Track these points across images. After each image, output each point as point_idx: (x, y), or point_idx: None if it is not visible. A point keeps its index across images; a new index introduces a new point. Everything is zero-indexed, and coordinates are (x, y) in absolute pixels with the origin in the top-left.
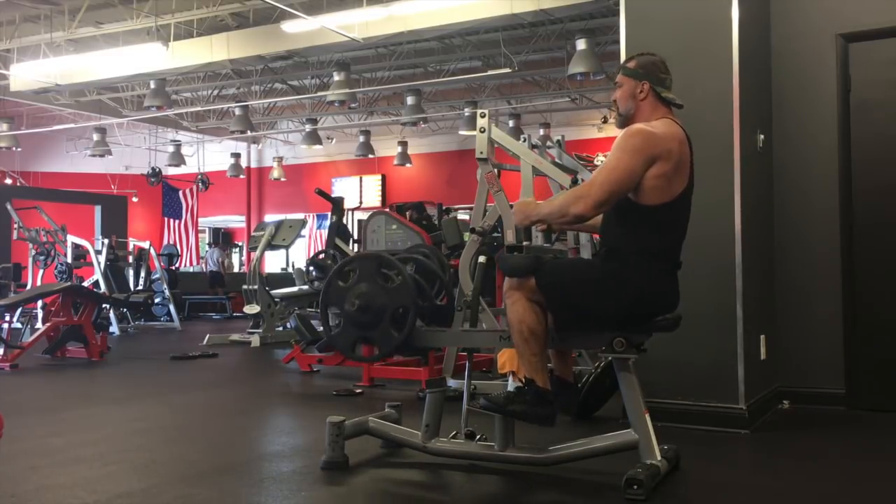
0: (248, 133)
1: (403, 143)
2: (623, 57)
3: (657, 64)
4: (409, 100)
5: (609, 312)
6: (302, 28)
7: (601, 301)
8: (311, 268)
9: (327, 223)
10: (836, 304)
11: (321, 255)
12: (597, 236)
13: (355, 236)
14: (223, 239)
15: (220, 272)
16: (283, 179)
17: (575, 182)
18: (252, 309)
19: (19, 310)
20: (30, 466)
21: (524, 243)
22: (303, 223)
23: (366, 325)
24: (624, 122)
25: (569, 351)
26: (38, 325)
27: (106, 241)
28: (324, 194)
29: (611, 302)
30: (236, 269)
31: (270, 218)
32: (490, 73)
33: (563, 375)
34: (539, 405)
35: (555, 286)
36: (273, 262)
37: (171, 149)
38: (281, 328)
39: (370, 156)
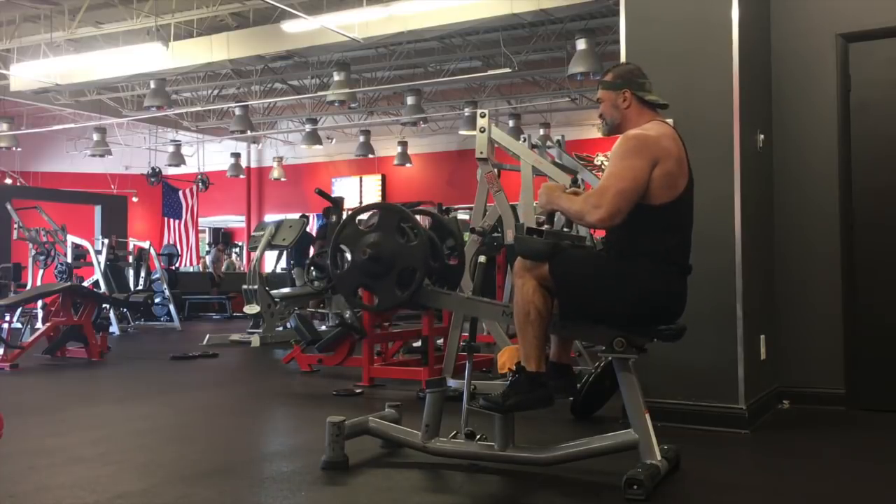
0: (248, 133)
1: (403, 143)
2: (623, 57)
3: (633, 71)
4: (409, 100)
5: (615, 311)
6: (302, 28)
7: (609, 299)
8: (312, 268)
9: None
10: (836, 304)
11: (321, 255)
12: (594, 232)
13: None
14: (222, 239)
15: (210, 273)
16: (283, 179)
17: (575, 182)
18: (252, 309)
19: (19, 310)
20: (30, 466)
21: (545, 227)
22: (303, 223)
23: (372, 275)
24: (610, 130)
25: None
26: (38, 325)
27: (106, 241)
28: (324, 194)
29: (618, 301)
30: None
31: (270, 218)
32: (490, 73)
33: (561, 360)
34: (532, 389)
35: (567, 277)
36: (273, 263)
37: (171, 149)
38: (281, 328)
39: (370, 156)
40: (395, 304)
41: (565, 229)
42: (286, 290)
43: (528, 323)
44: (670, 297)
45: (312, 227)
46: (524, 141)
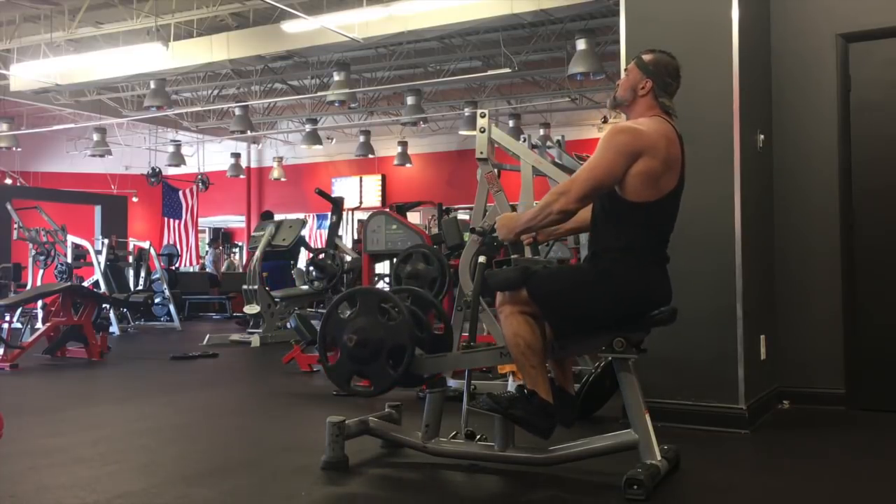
0: (248, 133)
1: (403, 143)
2: (623, 57)
3: (669, 69)
4: (409, 100)
5: (604, 313)
6: (302, 28)
7: (595, 303)
8: (311, 268)
9: (327, 223)
10: (836, 304)
11: (321, 256)
12: None
13: (356, 236)
14: (222, 239)
15: (213, 273)
16: (283, 179)
17: None
18: (252, 309)
19: (19, 310)
20: (30, 466)
21: (513, 256)
22: (303, 223)
23: (362, 360)
24: (616, 105)
25: (568, 361)
26: (38, 325)
27: (106, 241)
28: (324, 194)
29: (604, 302)
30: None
31: None
32: (490, 73)
33: (564, 386)
34: (541, 417)
35: (547, 295)
36: None
37: (171, 149)
38: (281, 328)
39: (370, 156)
40: (391, 384)
41: (537, 256)
42: (285, 289)
43: (521, 355)
44: (651, 286)
45: (311, 229)
46: (524, 141)
